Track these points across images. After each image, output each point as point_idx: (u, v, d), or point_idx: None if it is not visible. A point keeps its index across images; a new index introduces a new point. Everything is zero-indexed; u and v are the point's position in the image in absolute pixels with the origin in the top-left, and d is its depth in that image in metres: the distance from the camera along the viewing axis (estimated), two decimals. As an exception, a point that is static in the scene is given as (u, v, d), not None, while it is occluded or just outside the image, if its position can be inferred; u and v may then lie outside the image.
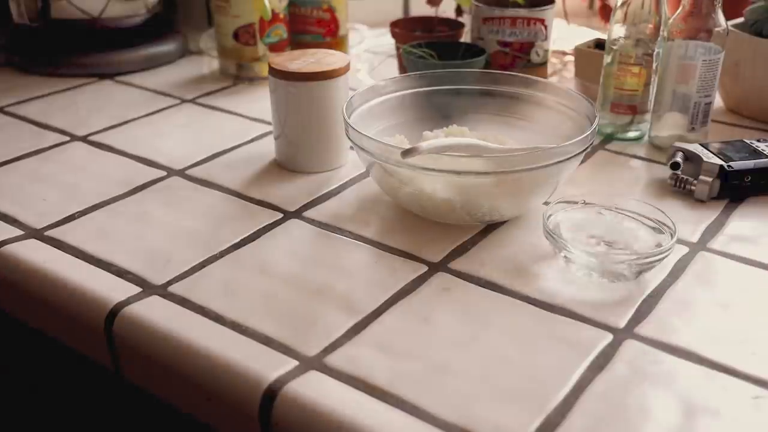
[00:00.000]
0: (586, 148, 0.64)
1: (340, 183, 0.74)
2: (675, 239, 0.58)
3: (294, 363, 0.50)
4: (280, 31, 1.01)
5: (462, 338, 0.53)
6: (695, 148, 0.73)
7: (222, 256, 0.62)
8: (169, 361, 0.52)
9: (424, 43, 0.93)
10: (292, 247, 0.64)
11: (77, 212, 0.69)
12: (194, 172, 0.77)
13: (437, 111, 0.76)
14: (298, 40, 1.04)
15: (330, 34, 1.05)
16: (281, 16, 1.01)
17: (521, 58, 0.94)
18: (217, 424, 0.52)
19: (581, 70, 0.95)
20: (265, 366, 0.50)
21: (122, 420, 0.65)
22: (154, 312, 0.55)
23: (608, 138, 0.84)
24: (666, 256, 0.58)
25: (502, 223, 0.67)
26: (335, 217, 0.68)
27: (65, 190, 0.73)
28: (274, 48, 1.01)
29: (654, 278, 0.59)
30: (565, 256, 0.59)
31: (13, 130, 0.86)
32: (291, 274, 0.60)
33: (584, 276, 0.59)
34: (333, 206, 0.70)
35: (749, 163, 0.71)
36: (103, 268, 0.60)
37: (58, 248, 0.63)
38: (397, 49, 1.00)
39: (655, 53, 0.79)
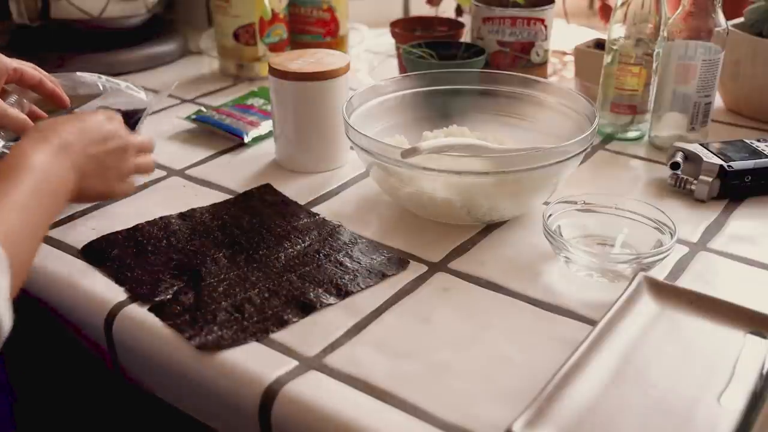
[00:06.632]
0: (586, 148, 0.64)
1: (340, 183, 0.74)
2: (675, 239, 0.58)
3: (294, 363, 0.50)
4: (280, 31, 1.01)
5: (462, 338, 0.53)
6: (695, 148, 0.73)
7: (222, 256, 0.62)
8: (169, 361, 0.52)
9: (424, 43, 0.93)
10: (292, 247, 0.64)
11: (77, 212, 0.69)
12: (194, 172, 0.77)
13: (437, 111, 0.76)
14: (298, 40, 1.04)
15: (330, 34, 1.05)
16: (281, 16, 1.01)
17: (521, 58, 0.94)
18: (217, 424, 0.52)
19: (581, 70, 0.95)
20: (265, 366, 0.50)
21: (122, 420, 0.65)
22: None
23: (608, 138, 0.84)
24: (666, 256, 0.58)
25: (502, 223, 0.67)
26: (335, 216, 0.68)
27: (65, 190, 0.72)
28: (274, 48, 1.01)
29: (654, 278, 0.59)
30: (566, 256, 0.59)
31: (13, 130, 0.86)
32: (291, 274, 0.60)
33: (584, 276, 0.59)
34: (333, 206, 0.70)
35: (749, 163, 0.71)
36: (103, 268, 0.61)
37: (58, 248, 0.63)
38: (397, 49, 1.00)
39: (655, 53, 0.79)
